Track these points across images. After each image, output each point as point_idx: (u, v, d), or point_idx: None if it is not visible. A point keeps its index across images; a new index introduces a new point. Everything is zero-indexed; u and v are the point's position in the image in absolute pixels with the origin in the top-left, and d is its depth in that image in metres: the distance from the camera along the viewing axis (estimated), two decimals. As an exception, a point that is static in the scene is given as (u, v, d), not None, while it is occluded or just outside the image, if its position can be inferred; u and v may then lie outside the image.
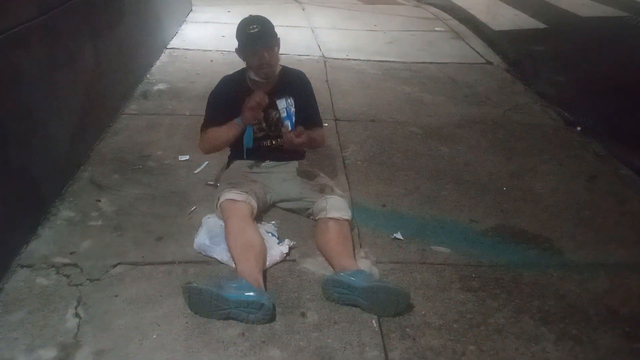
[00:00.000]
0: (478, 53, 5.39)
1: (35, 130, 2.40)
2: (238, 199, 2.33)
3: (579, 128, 3.76)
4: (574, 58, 5.48)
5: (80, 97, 2.92)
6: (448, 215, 2.69)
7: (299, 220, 2.53)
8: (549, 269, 2.32)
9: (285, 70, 2.58)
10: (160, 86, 4.05)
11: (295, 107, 2.42)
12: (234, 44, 2.47)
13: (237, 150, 2.63)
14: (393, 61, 5.02)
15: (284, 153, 2.63)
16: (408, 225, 2.58)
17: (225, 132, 2.48)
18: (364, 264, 2.27)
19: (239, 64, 2.58)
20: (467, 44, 5.70)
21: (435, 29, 6.27)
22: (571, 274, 2.30)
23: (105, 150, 3.10)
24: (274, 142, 2.59)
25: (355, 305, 2.04)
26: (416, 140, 3.48)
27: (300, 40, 5.48)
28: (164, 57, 4.69)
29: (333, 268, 2.20)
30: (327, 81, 4.40)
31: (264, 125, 2.54)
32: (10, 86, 2.20)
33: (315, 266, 2.27)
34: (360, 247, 2.40)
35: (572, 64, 5.31)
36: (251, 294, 1.94)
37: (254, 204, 2.38)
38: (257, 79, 2.45)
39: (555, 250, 2.46)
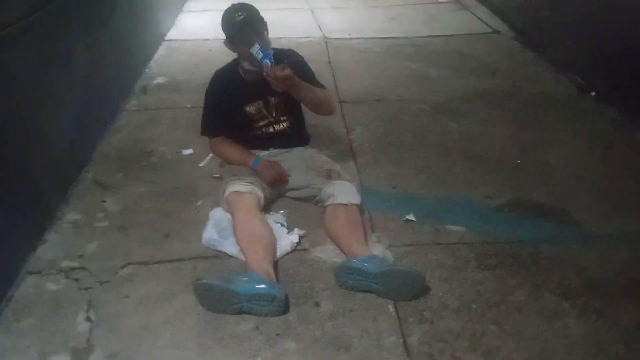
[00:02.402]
0: (484, 23, 5.24)
1: (33, 133, 2.36)
2: (243, 191, 2.28)
3: (593, 93, 3.63)
4: (586, 21, 5.24)
5: (77, 96, 2.85)
6: (461, 193, 2.61)
7: (308, 209, 2.47)
8: (568, 243, 2.25)
9: (276, 52, 2.50)
10: (160, 80, 3.98)
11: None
12: None
13: (240, 141, 2.58)
14: (396, 37, 4.89)
15: (288, 139, 2.57)
16: (420, 205, 2.51)
17: (237, 161, 2.52)
18: (377, 249, 2.21)
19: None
20: (473, 14, 5.54)
21: (439, 0, 6.12)
22: (591, 246, 2.22)
23: (107, 149, 3.05)
24: (276, 128, 2.53)
25: (370, 292, 1.99)
26: (424, 118, 3.39)
27: (300, 22, 5.37)
28: (161, 50, 4.61)
29: (345, 255, 2.14)
30: (329, 63, 4.31)
31: (264, 112, 2.48)
32: (3, 89, 2.14)
33: (326, 254, 2.21)
34: (372, 231, 2.34)
35: (584, 27, 5.09)
36: (262, 286, 1.89)
37: (260, 194, 2.32)
38: (251, 68, 2.37)
39: (573, 223, 2.38)
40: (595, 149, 2.97)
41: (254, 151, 2.53)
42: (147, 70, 4.16)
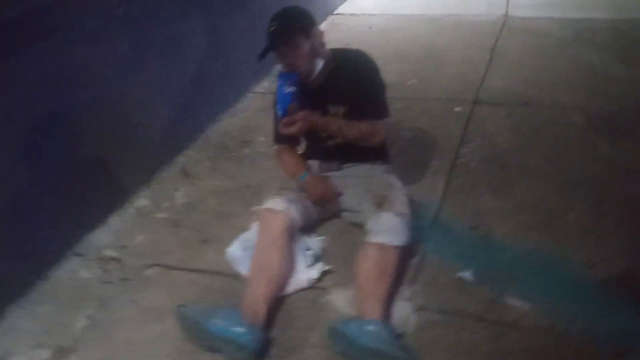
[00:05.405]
0: None
1: (125, 121, 2.50)
2: (277, 209, 2.05)
3: None
4: None
5: (188, 81, 2.93)
6: (556, 252, 1.97)
7: (357, 237, 2.11)
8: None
9: (338, 55, 2.13)
10: (300, 60, 3.87)
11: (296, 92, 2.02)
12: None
13: (307, 152, 2.35)
14: (595, 18, 3.94)
15: (353, 156, 2.23)
16: (491, 260, 1.98)
17: (289, 173, 2.29)
18: (402, 309, 1.82)
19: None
20: None
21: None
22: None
23: (214, 133, 3.09)
24: (337, 141, 2.20)
25: (359, 366, 1.63)
26: (572, 133, 2.68)
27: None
28: (322, 26, 4.47)
29: (355, 309, 1.79)
30: (492, 49, 3.67)
31: None
32: (100, 73, 2.31)
33: (343, 301, 1.89)
34: (411, 283, 1.92)
35: None
36: (237, 329, 1.69)
37: (295, 215, 2.05)
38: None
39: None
40: None
41: (323, 164, 2.28)
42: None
